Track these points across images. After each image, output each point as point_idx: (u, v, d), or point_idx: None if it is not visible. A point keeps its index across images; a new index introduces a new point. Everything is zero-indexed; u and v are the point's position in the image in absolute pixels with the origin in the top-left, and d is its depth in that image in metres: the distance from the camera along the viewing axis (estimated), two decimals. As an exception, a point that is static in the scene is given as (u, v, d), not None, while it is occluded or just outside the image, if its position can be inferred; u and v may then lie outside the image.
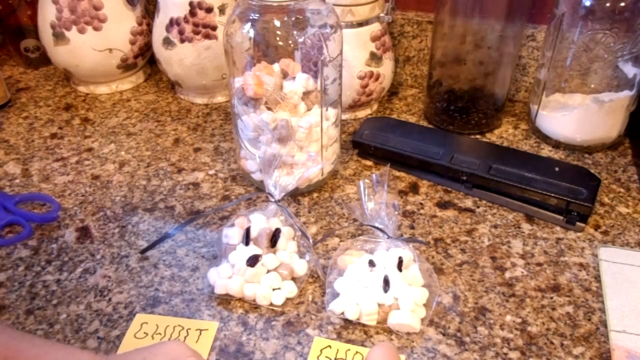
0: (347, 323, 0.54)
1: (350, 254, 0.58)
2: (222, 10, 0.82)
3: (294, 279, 0.57)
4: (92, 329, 0.54)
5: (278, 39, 0.62)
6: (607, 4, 0.67)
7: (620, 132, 0.77)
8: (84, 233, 0.65)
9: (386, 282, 0.54)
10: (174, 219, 0.67)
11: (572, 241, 0.63)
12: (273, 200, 0.62)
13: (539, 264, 0.60)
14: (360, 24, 0.77)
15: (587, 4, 0.68)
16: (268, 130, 0.64)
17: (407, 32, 0.88)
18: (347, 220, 0.66)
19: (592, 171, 0.69)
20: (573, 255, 0.62)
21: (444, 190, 0.71)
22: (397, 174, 0.74)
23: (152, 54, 0.90)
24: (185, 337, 0.52)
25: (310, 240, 0.60)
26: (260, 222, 0.60)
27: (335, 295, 0.55)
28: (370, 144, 0.74)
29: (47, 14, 0.86)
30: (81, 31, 0.85)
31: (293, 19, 0.61)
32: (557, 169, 0.69)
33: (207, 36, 0.82)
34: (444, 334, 0.53)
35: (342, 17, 0.75)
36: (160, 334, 0.53)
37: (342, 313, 0.54)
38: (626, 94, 0.73)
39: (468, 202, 0.69)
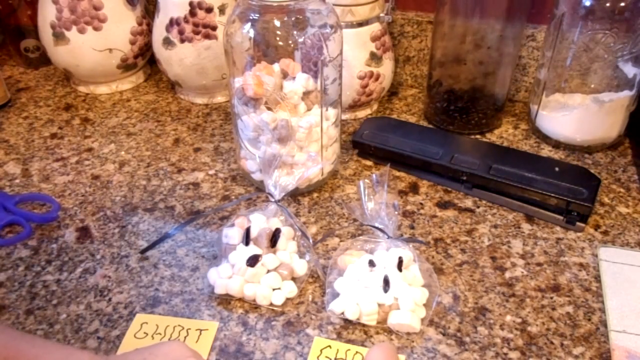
0: (347, 323, 0.54)
1: (350, 254, 0.58)
2: (222, 10, 0.82)
3: (294, 279, 0.57)
4: (92, 329, 0.54)
5: (278, 39, 0.63)
6: (607, 4, 0.67)
7: (620, 132, 0.77)
8: (84, 233, 0.65)
9: (386, 282, 0.54)
10: (174, 219, 0.67)
11: (572, 241, 0.63)
12: (273, 200, 0.62)
13: (539, 264, 0.60)
14: (360, 24, 0.77)
15: (587, 4, 0.68)
16: (268, 130, 0.64)
17: (407, 32, 0.88)
18: (347, 220, 0.66)
19: (592, 171, 0.69)
20: (573, 255, 0.62)
21: (444, 190, 0.71)
22: (397, 174, 0.74)
23: (152, 54, 0.90)
24: (185, 337, 0.52)
25: (310, 240, 0.60)
26: (260, 222, 0.60)
27: (335, 295, 0.55)
28: (370, 144, 0.74)
29: (47, 14, 0.86)
30: (81, 31, 0.85)
31: (293, 19, 0.61)
32: (557, 169, 0.69)
33: (207, 36, 0.82)
34: (444, 334, 0.53)
35: (342, 17, 0.75)
36: (160, 334, 0.53)
37: (342, 313, 0.54)
38: (626, 94, 0.73)
39: (468, 202, 0.69)
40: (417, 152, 0.72)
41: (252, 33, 0.62)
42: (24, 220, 0.65)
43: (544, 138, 0.80)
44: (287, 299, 0.56)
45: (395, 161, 0.73)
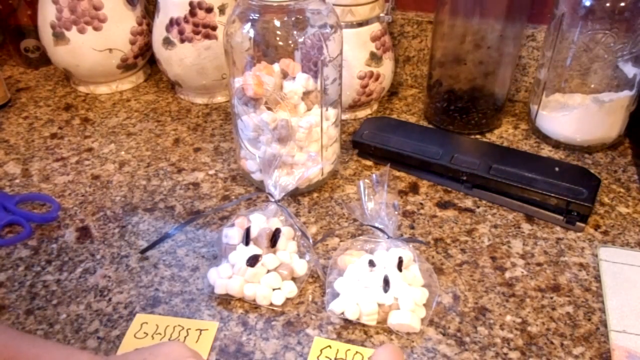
0: (347, 323, 0.54)
1: (350, 254, 0.58)
2: (222, 10, 0.82)
3: (294, 279, 0.57)
4: (92, 329, 0.54)
5: (278, 39, 0.62)
6: (607, 4, 0.67)
7: (620, 132, 0.77)
8: (84, 233, 0.65)
9: (386, 282, 0.54)
10: (174, 219, 0.67)
11: (572, 241, 0.63)
12: (273, 200, 0.62)
13: (539, 264, 0.60)
14: (360, 24, 0.77)
15: (587, 4, 0.68)
16: (268, 130, 0.64)
17: (407, 32, 0.88)
18: (347, 220, 0.66)
19: (592, 171, 0.69)
20: (573, 255, 0.62)
21: (444, 190, 0.71)
22: (397, 174, 0.74)
23: (152, 54, 0.90)
24: (185, 337, 0.52)
25: (310, 240, 0.60)
26: (260, 222, 0.60)
27: (335, 295, 0.55)
28: (370, 144, 0.74)
29: (47, 14, 0.86)
30: (81, 31, 0.85)
31: (293, 19, 0.61)
32: (557, 169, 0.69)
33: (207, 36, 0.82)
34: (444, 334, 0.53)
35: (342, 17, 0.75)
36: (160, 334, 0.53)
37: (342, 313, 0.54)
38: (626, 94, 0.73)
39: (468, 202, 0.69)
40: (417, 152, 0.72)
41: (252, 33, 0.62)
42: (24, 220, 0.65)
43: (544, 138, 0.80)
44: (287, 299, 0.56)
45: (395, 161, 0.73)
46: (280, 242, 0.58)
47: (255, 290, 0.55)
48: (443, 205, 0.69)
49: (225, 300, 0.56)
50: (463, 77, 0.80)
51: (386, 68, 0.82)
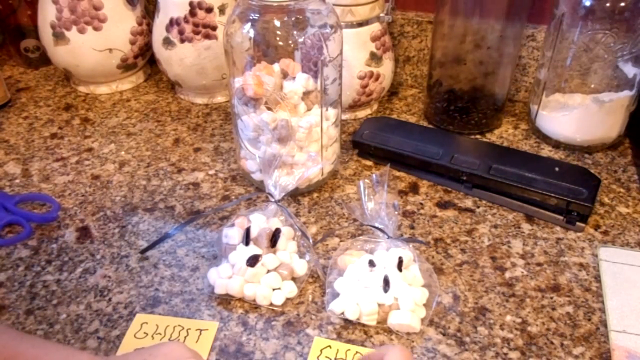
0: (347, 323, 0.54)
1: (350, 254, 0.58)
2: (222, 10, 0.82)
3: (294, 279, 0.57)
4: (92, 329, 0.54)
5: (278, 39, 0.62)
6: (607, 4, 0.67)
7: (620, 132, 0.77)
8: (84, 233, 0.65)
9: (386, 282, 0.54)
10: (174, 219, 0.67)
11: (572, 241, 0.63)
12: (273, 200, 0.62)
13: (539, 264, 0.60)
14: (360, 24, 0.77)
15: (587, 4, 0.68)
16: (268, 130, 0.64)
17: (407, 32, 0.88)
18: (347, 220, 0.66)
19: (592, 171, 0.69)
20: (573, 255, 0.62)
21: (444, 190, 0.71)
22: (397, 174, 0.74)
23: (152, 54, 0.90)
24: (185, 337, 0.52)
25: (310, 240, 0.60)
26: (260, 222, 0.60)
27: (335, 295, 0.55)
28: (370, 144, 0.74)
29: (47, 14, 0.86)
30: (81, 31, 0.85)
31: (293, 19, 0.61)
32: (557, 169, 0.69)
33: (207, 36, 0.82)
34: (444, 334, 0.53)
35: (342, 17, 0.75)
36: (160, 334, 0.53)
37: (342, 313, 0.54)
38: (626, 94, 0.73)
39: (468, 202, 0.69)
40: (417, 152, 0.72)
41: (252, 33, 0.62)
42: (24, 220, 0.65)
43: (544, 138, 0.80)
44: (287, 299, 0.56)
45: (395, 161, 0.73)
46: (280, 242, 0.58)
47: (255, 290, 0.55)
48: (443, 205, 0.69)
49: (225, 300, 0.56)
50: (463, 77, 0.80)
51: (386, 68, 0.82)
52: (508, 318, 0.55)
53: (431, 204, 0.69)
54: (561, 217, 0.65)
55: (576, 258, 0.61)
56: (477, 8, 0.74)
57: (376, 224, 0.58)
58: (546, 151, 0.78)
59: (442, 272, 0.59)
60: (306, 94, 0.64)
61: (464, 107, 0.81)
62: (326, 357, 0.51)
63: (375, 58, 0.79)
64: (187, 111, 0.88)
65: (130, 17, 0.88)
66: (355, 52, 0.78)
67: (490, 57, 0.77)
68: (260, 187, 0.70)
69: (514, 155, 0.73)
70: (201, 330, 0.53)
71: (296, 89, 0.63)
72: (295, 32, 0.62)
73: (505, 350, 0.52)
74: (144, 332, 0.53)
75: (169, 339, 0.52)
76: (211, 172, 0.74)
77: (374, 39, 0.78)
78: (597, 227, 0.65)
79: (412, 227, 0.65)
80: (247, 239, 0.57)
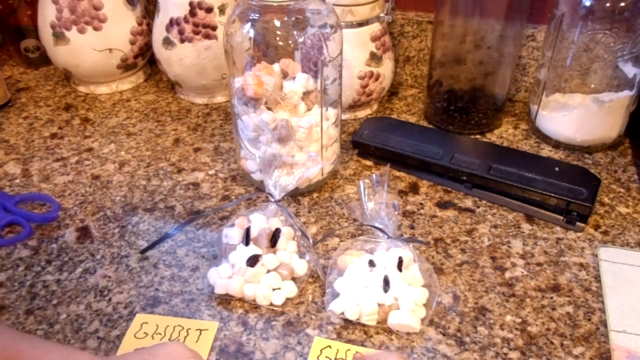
0: (347, 323, 0.54)
1: (350, 254, 0.58)
2: (222, 10, 0.82)
3: (294, 279, 0.57)
4: (92, 329, 0.54)
5: (278, 39, 0.62)
6: (607, 4, 0.67)
7: (620, 132, 0.77)
8: (84, 233, 0.65)
9: (386, 282, 0.54)
10: (174, 219, 0.67)
11: (572, 241, 0.63)
12: (273, 200, 0.62)
13: (539, 264, 0.60)
14: (360, 24, 0.77)
15: (587, 4, 0.68)
16: (268, 130, 0.64)
17: (407, 32, 0.88)
18: (347, 220, 0.66)
19: (592, 171, 0.69)
20: (573, 255, 0.62)
21: (444, 190, 0.71)
22: (397, 174, 0.74)
23: (152, 54, 0.90)
24: (185, 337, 0.52)
25: (310, 240, 0.60)
26: (260, 222, 0.60)
27: (335, 295, 0.55)
28: (370, 144, 0.74)
29: (47, 14, 0.86)
30: (81, 31, 0.85)
31: (293, 19, 0.61)
32: (557, 169, 0.69)
33: (207, 36, 0.82)
34: (444, 334, 0.53)
35: (342, 17, 0.75)
36: (160, 334, 0.53)
37: (342, 313, 0.54)
38: (626, 94, 0.73)
39: (468, 202, 0.69)
40: (417, 152, 0.72)
41: (252, 33, 0.62)
42: (24, 220, 0.65)
43: (544, 138, 0.80)
44: (287, 299, 0.56)
45: (395, 161, 0.73)
46: (280, 242, 0.58)
47: (255, 290, 0.55)
48: (443, 205, 0.69)
49: (225, 300, 0.56)
50: (463, 77, 0.80)
51: (386, 68, 0.82)
52: (508, 318, 0.55)
53: (431, 204, 0.69)
54: (561, 217, 0.65)
55: (576, 258, 0.61)
56: (477, 8, 0.74)
57: (376, 224, 0.58)
58: (546, 151, 0.78)
59: (442, 272, 0.59)
60: (306, 94, 0.64)
61: (464, 107, 0.81)
62: (326, 357, 0.51)
63: (375, 58, 0.79)
64: (187, 111, 0.88)
65: (130, 17, 0.88)
66: (355, 52, 0.78)
67: (490, 57, 0.77)
68: (260, 187, 0.70)
69: (514, 155, 0.73)
70: (201, 330, 0.53)
71: (296, 89, 0.63)
72: (295, 32, 0.62)
73: (505, 350, 0.52)
74: (144, 332, 0.53)
75: (169, 339, 0.52)
76: (211, 172, 0.74)
77: (374, 39, 0.78)
78: (597, 227, 0.65)
79: (412, 227, 0.65)
80: (247, 239, 0.57)
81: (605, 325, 0.54)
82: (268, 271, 0.56)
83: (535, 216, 0.67)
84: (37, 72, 0.99)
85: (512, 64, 0.79)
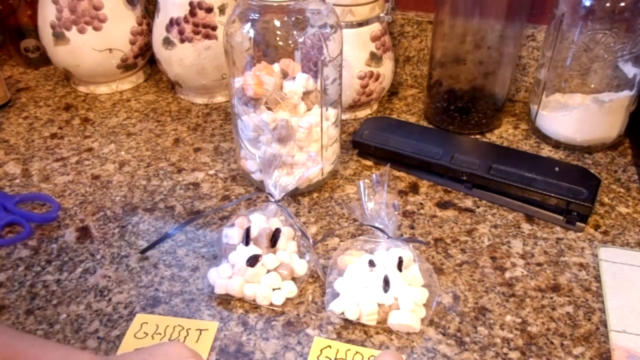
0: (347, 323, 0.54)
1: (350, 254, 0.58)
2: (222, 10, 0.82)
3: (294, 279, 0.57)
4: (92, 329, 0.54)
5: (278, 39, 0.62)
6: (607, 4, 0.67)
7: (620, 132, 0.77)
8: (84, 233, 0.65)
9: (386, 282, 0.54)
10: (174, 219, 0.67)
11: (572, 241, 0.63)
12: (273, 200, 0.62)
13: (539, 264, 0.60)
14: (360, 24, 0.77)
15: (587, 4, 0.68)
16: (268, 130, 0.64)
17: (407, 32, 0.88)
18: (347, 220, 0.66)
19: (592, 171, 0.69)
20: (573, 255, 0.62)
21: (444, 190, 0.71)
22: (397, 174, 0.74)
23: (152, 54, 0.90)
24: (185, 337, 0.52)
25: (310, 240, 0.60)
26: (260, 222, 0.60)
27: (335, 295, 0.55)
28: (370, 144, 0.74)
29: (47, 14, 0.86)
30: (81, 31, 0.85)
31: (293, 19, 0.61)
32: (557, 169, 0.69)
33: (207, 36, 0.82)
34: (444, 334, 0.53)
35: (342, 17, 0.75)
36: (160, 334, 0.53)
37: (342, 313, 0.54)
38: (626, 94, 0.73)
39: (468, 202, 0.69)
40: (417, 152, 0.72)
41: (252, 33, 0.62)
42: (24, 220, 0.65)
43: (544, 138, 0.80)
44: (287, 299, 0.56)
45: (395, 161, 0.73)
46: (280, 242, 0.58)
47: (255, 290, 0.55)
48: (443, 205, 0.69)
49: (225, 300, 0.56)
50: (463, 77, 0.80)
51: (386, 68, 0.82)
52: (508, 318, 0.55)
53: (431, 204, 0.69)
54: (561, 217, 0.65)
55: (576, 258, 0.61)
56: (477, 8, 0.74)
57: (376, 224, 0.58)
58: (546, 151, 0.78)
59: (442, 272, 0.59)
60: (306, 94, 0.64)
61: (464, 107, 0.81)
62: (326, 357, 0.51)
63: (375, 58, 0.79)
64: (187, 111, 0.88)
65: (130, 17, 0.88)
66: (355, 52, 0.78)
67: (490, 57, 0.77)
68: (260, 187, 0.70)
69: (514, 155, 0.73)
70: (201, 330, 0.53)
71: (296, 89, 0.63)
72: (295, 32, 0.62)
73: (505, 350, 0.52)
74: (144, 332, 0.53)
75: (169, 339, 0.52)
76: (211, 172, 0.74)
77: (374, 39, 0.78)
78: (597, 227, 0.65)
79: (412, 227, 0.65)
80: (247, 239, 0.57)
81: (605, 325, 0.54)
82: (268, 271, 0.56)
83: (535, 216, 0.67)
84: (37, 72, 0.99)
85: (512, 64, 0.79)
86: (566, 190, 0.65)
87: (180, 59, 0.84)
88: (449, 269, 0.60)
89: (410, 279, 0.55)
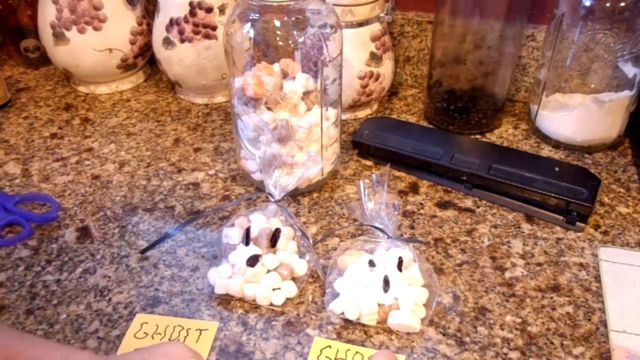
0: (347, 323, 0.54)
1: (350, 254, 0.58)
2: (222, 10, 0.82)
3: (294, 279, 0.57)
4: (92, 329, 0.54)
5: (278, 39, 0.62)
6: (607, 4, 0.67)
7: (620, 132, 0.77)
8: (84, 233, 0.65)
9: (386, 282, 0.54)
10: (174, 219, 0.67)
11: (572, 241, 0.63)
12: (273, 200, 0.62)
13: (539, 264, 0.60)
14: (360, 24, 0.77)
15: (587, 4, 0.68)
16: (268, 130, 0.64)
17: (407, 32, 0.88)
18: (347, 220, 0.66)
19: (592, 171, 0.69)
20: (573, 255, 0.62)
21: (444, 190, 0.71)
22: (397, 174, 0.74)
23: (152, 54, 0.90)
24: (185, 337, 0.52)
25: (310, 240, 0.60)
26: (260, 222, 0.60)
27: (335, 295, 0.55)
28: (370, 144, 0.74)
29: (47, 14, 0.86)
30: (81, 31, 0.85)
31: (293, 19, 0.61)
32: (557, 169, 0.69)
33: (207, 36, 0.82)
34: (444, 334, 0.53)
35: (342, 17, 0.75)
36: (160, 334, 0.53)
37: (342, 313, 0.54)
38: (626, 94, 0.73)
39: (468, 202, 0.69)
40: (417, 152, 0.72)
41: (252, 33, 0.62)
42: (24, 220, 0.65)
43: (544, 138, 0.80)
44: (287, 299, 0.56)
45: (395, 161, 0.73)
46: (280, 242, 0.58)
47: (255, 290, 0.55)
48: (443, 205, 0.69)
49: (225, 300, 0.56)
50: (463, 77, 0.80)
51: (386, 68, 0.82)
52: (508, 318, 0.55)
53: (431, 204, 0.69)
54: (561, 217, 0.65)
55: (576, 258, 0.61)
56: (477, 8, 0.74)
57: (376, 224, 0.58)
58: (546, 151, 0.78)
59: (442, 272, 0.59)
60: (306, 94, 0.64)
61: (464, 107, 0.81)
62: (326, 357, 0.51)
63: (375, 58, 0.79)
64: (187, 111, 0.88)
65: (130, 17, 0.88)
66: (355, 52, 0.78)
67: (490, 57, 0.77)
68: (260, 187, 0.70)
69: (514, 155, 0.73)
70: (201, 330, 0.53)
71: (296, 89, 0.63)
72: (295, 32, 0.62)
73: (505, 350, 0.52)
74: (144, 332, 0.53)
75: (169, 339, 0.52)
76: (211, 172, 0.74)
77: (374, 39, 0.78)
78: (597, 227, 0.65)
79: (412, 227, 0.65)
80: (247, 239, 0.57)
81: (605, 325, 0.54)
82: (268, 271, 0.56)
83: (535, 216, 0.67)
84: (37, 72, 0.99)
85: (512, 64, 0.79)
86: (566, 190, 0.65)
87: (180, 59, 0.84)
88: (449, 269, 0.60)
89: (410, 279, 0.55)
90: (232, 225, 0.60)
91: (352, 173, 0.74)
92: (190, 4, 0.80)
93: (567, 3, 0.70)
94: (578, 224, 0.65)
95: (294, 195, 0.69)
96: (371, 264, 0.56)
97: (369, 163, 0.76)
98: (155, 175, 0.74)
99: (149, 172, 0.74)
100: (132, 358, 0.43)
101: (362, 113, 0.85)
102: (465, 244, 0.63)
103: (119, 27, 0.87)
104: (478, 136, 0.81)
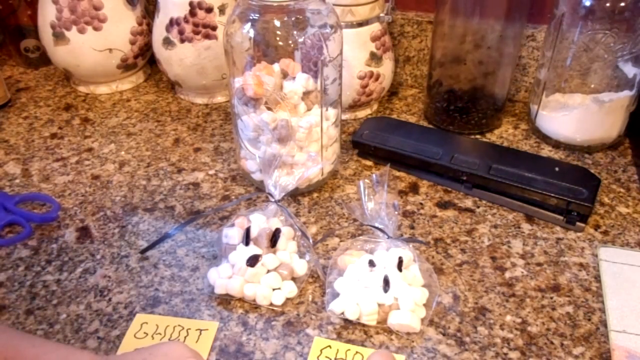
0: (347, 323, 0.54)
1: (350, 254, 0.58)
2: (222, 10, 0.82)
3: (294, 279, 0.57)
4: (92, 329, 0.54)
5: (278, 39, 0.62)
6: (607, 4, 0.67)
7: (620, 132, 0.77)
8: (84, 233, 0.65)
9: (386, 282, 0.54)
10: (174, 219, 0.67)
11: (572, 241, 0.63)
12: (273, 200, 0.62)
13: (539, 264, 0.60)
14: (360, 24, 0.77)
15: (587, 4, 0.68)
16: (268, 130, 0.64)
17: (407, 32, 0.88)
18: (347, 220, 0.66)
19: (592, 171, 0.69)
20: (573, 255, 0.62)
21: (444, 190, 0.71)
22: (397, 174, 0.74)
23: (152, 54, 0.90)
24: (185, 337, 0.52)
25: (310, 240, 0.60)
26: (260, 222, 0.60)
27: (335, 295, 0.55)
28: (370, 144, 0.74)
29: (47, 14, 0.86)
30: (81, 31, 0.85)
31: (293, 19, 0.61)
32: (557, 169, 0.69)
33: (207, 36, 0.82)
34: (444, 334, 0.53)
35: (342, 17, 0.75)
36: (160, 334, 0.53)
37: (342, 313, 0.54)
38: (626, 94, 0.73)
39: (468, 202, 0.69)
40: (417, 152, 0.72)
41: (252, 33, 0.62)
42: (24, 220, 0.65)
43: (544, 138, 0.80)
44: (287, 299, 0.56)
45: (395, 161, 0.73)
46: (280, 242, 0.58)
47: (255, 290, 0.55)
48: (443, 205, 0.69)
49: (225, 300, 0.56)
50: (463, 77, 0.80)
51: (386, 68, 0.82)
52: (508, 318, 0.55)
53: (431, 204, 0.69)
54: (561, 217, 0.65)
55: (576, 258, 0.61)
56: (477, 8, 0.74)
57: (376, 224, 0.58)
58: (546, 151, 0.78)
59: (442, 272, 0.59)
60: (306, 94, 0.64)
61: (464, 107, 0.81)
62: (326, 357, 0.51)
63: (375, 58, 0.79)
64: (187, 111, 0.88)
65: (130, 17, 0.88)
66: (355, 52, 0.78)
67: (490, 57, 0.77)
68: (260, 187, 0.70)
69: (514, 155, 0.73)
70: (201, 330, 0.53)
71: (296, 89, 0.63)
72: (295, 32, 0.62)
73: (505, 350, 0.52)
74: (144, 332, 0.53)
75: (169, 339, 0.52)
76: (211, 172, 0.74)
77: (374, 39, 0.78)
78: (597, 227, 0.65)
79: (412, 227, 0.65)
80: (247, 239, 0.57)
81: (605, 325, 0.54)
82: (268, 271, 0.56)
83: (535, 216, 0.67)
84: (37, 72, 0.99)
85: (512, 64, 0.79)
86: (566, 190, 0.65)
87: (180, 59, 0.84)
88: (449, 269, 0.60)
89: (410, 279, 0.55)
90: (232, 225, 0.60)
91: (352, 173, 0.74)
92: (190, 4, 0.80)
93: (567, 3, 0.70)
94: (578, 224, 0.65)
95: (294, 195, 0.69)
96: (371, 264, 0.56)
97: (369, 163, 0.76)
98: (155, 175, 0.74)
99: (149, 172, 0.74)
100: (132, 358, 0.43)
101: (362, 113, 0.85)
102: (465, 244, 0.63)
103: (119, 27, 0.87)
104: (478, 136, 0.81)
